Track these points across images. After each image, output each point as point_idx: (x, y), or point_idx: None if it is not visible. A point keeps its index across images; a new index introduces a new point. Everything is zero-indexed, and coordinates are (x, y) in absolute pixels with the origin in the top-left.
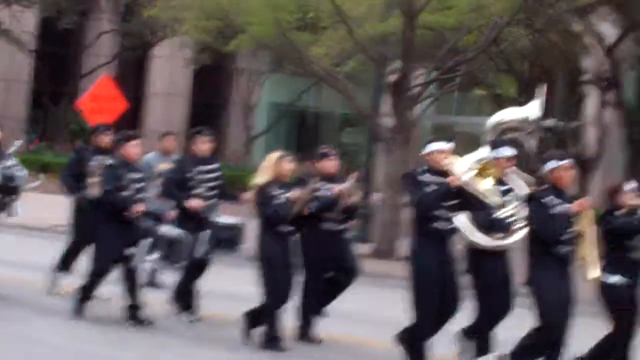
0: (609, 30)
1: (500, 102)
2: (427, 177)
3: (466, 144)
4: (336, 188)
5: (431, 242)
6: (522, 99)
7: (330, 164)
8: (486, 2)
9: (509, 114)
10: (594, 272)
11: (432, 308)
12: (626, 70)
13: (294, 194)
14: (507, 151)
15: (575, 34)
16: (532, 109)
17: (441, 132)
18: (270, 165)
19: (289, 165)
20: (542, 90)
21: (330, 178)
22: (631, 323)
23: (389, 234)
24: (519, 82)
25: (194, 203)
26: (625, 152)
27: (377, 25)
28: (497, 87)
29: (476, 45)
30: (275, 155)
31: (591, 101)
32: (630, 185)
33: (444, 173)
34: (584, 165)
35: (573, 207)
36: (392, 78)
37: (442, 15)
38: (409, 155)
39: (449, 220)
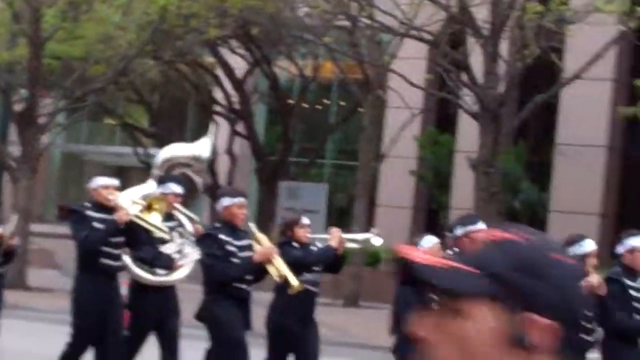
0: (238, 63)
1: (131, 132)
2: (93, 213)
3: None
4: None
5: (97, 278)
6: (154, 129)
7: None
8: (114, 33)
9: (179, 151)
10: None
11: (86, 342)
12: (255, 103)
13: None
14: (176, 187)
15: (205, 66)
16: (202, 147)
17: (71, 161)
18: None
19: None
20: (211, 129)
21: None
22: None
23: (18, 264)
24: (150, 113)
25: None
26: (255, 182)
27: (3, 53)
28: (128, 117)
29: (105, 75)
30: None
31: (222, 132)
32: (305, 220)
33: (110, 208)
34: (214, 195)
35: (255, 257)
36: (19, 107)
37: (69, 45)
38: (36, 185)
39: (117, 256)
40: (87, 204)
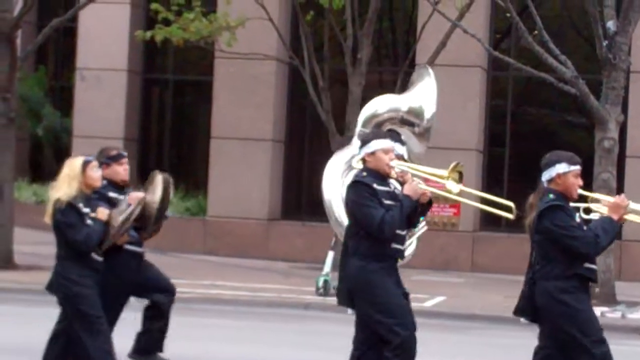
0: None
1: None
2: (378, 186)
3: None
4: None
5: (386, 265)
6: None
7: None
8: None
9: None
10: None
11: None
12: None
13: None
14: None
15: None
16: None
17: None
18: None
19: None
20: None
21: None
22: None
23: None
24: None
25: None
26: None
27: None
28: None
29: None
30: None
31: None
32: None
33: (387, 179)
34: None
35: None
36: None
37: None
38: None
39: (404, 238)
40: (363, 173)
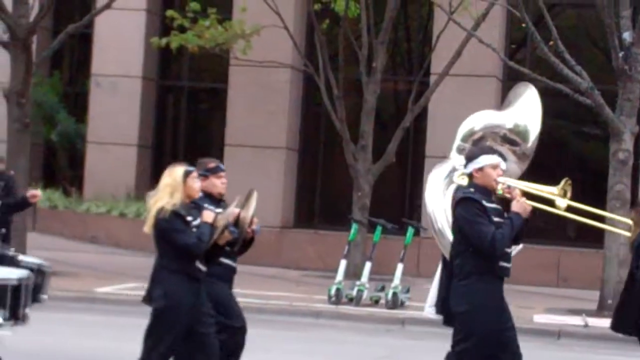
0: None
1: None
2: (486, 203)
3: None
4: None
5: (496, 283)
6: None
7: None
8: None
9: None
10: None
11: None
12: None
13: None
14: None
15: None
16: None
17: None
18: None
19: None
20: None
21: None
22: None
23: None
24: None
25: None
26: None
27: None
28: None
29: None
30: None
31: None
32: None
33: (494, 196)
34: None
35: None
36: None
37: None
38: None
39: (510, 256)
40: (471, 190)
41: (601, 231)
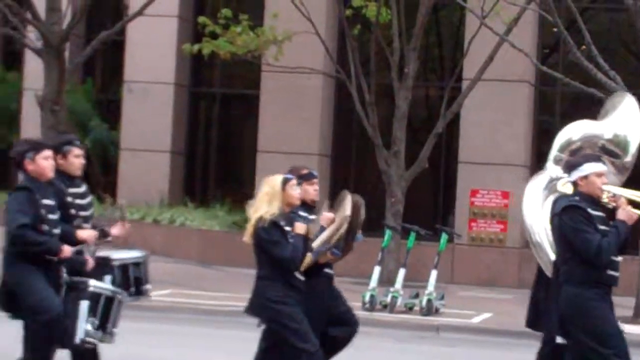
0: None
1: None
2: (592, 211)
3: None
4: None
5: (602, 292)
6: None
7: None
8: None
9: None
10: None
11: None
12: None
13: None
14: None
15: None
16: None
17: None
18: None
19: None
20: None
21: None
22: None
23: None
24: None
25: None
26: None
27: None
28: None
29: None
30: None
31: None
32: None
33: (599, 204)
34: None
35: None
36: None
37: None
38: None
39: (619, 264)
40: (576, 197)
41: (637, 237)
